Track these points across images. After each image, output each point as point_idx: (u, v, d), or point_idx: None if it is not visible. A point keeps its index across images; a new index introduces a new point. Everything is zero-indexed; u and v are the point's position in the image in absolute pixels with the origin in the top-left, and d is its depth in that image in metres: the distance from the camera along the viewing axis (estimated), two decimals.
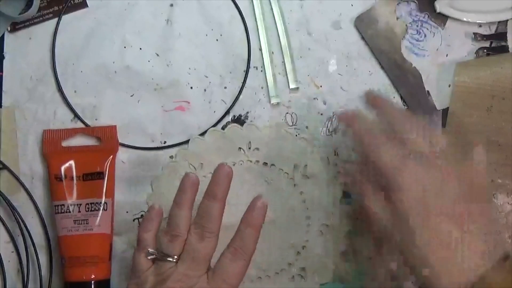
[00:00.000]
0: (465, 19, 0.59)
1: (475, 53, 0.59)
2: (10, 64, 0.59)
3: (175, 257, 0.46)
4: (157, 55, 0.60)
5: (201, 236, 0.46)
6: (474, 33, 0.59)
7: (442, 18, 0.60)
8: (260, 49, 0.60)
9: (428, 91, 0.59)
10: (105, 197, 0.56)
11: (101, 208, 0.56)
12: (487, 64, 0.58)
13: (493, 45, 0.59)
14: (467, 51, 0.60)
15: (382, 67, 0.60)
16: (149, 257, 0.47)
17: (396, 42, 0.60)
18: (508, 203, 0.56)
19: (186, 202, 0.47)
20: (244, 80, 0.59)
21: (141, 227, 0.48)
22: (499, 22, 0.59)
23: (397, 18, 0.60)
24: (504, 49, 0.59)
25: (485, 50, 0.59)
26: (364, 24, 0.60)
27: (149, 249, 0.47)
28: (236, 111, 0.59)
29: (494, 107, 0.57)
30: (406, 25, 0.60)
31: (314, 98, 0.59)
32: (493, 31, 0.60)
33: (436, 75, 0.59)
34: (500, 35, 0.59)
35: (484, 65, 0.58)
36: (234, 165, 0.58)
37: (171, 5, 0.60)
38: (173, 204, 0.48)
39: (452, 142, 0.45)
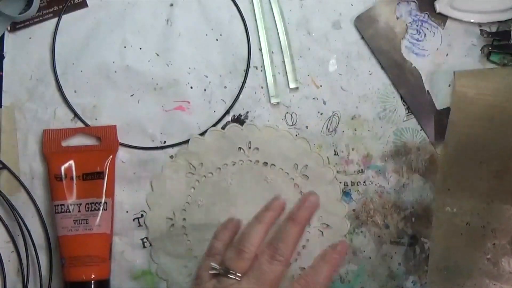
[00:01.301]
0: (465, 19, 0.59)
1: (481, 50, 0.59)
2: (10, 64, 0.59)
3: (239, 274, 0.43)
4: (157, 55, 0.60)
5: (272, 257, 0.43)
6: (480, 30, 0.59)
7: (442, 18, 0.60)
8: (260, 49, 0.60)
9: (428, 91, 0.59)
10: (105, 197, 0.56)
11: (101, 208, 0.56)
12: (487, 74, 0.58)
13: (495, 43, 0.59)
14: (467, 50, 0.60)
15: (382, 67, 0.60)
16: (211, 272, 0.44)
17: (396, 42, 0.60)
18: (507, 209, 0.56)
19: (267, 220, 0.45)
20: (244, 80, 0.59)
21: (214, 235, 0.47)
22: (499, 22, 0.59)
23: (397, 18, 0.60)
24: (509, 47, 0.58)
25: (490, 48, 0.59)
26: (364, 24, 0.60)
27: (212, 263, 0.45)
28: (236, 111, 0.59)
29: (495, 117, 0.57)
30: (406, 24, 0.60)
31: (314, 98, 0.59)
32: (493, 31, 0.60)
33: (436, 75, 0.59)
34: (506, 33, 0.59)
35: (484, 75, 0.58)
36: (234, 164, 0.58)
37: (171, 5, 0.60)
38: (253, 219, 0.46)
39: None
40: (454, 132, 0.58)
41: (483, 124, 0.57)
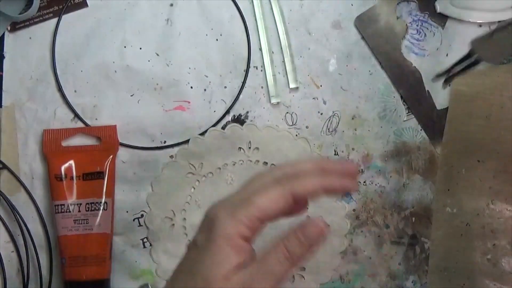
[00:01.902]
0: (465, 19, 0.59)
1: (444, 83, 0.56)
2: (10, 64, 0.59)
3: None
4: (157, 55, 0.59)
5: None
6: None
7: (442, 18, 0.60)
8: (260, 49, 0.60)
9: (428, 91, 0.59)
10: (105, 197, 0.56)
11: (101, 208, 0.56)
12: (483, 73, 0.58)
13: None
14: (467, 50, 0.60)
15: (382, 67, 0.60)
16: None
17: (396, 42, 0.60)
18: (507, 209, 0.56)
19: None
20: (244, 80, 0.59)
21: None
22: (499, 21, 0.59)
23: (397, 18, 0.60)
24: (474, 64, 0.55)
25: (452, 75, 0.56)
26: (364, 24, 0.60)
27: None
28: (236, 111, 0.59)
29: (492, 115, 0.57)
30: (406, 24, 0.60)
31: (314, 98, 0.59)
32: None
33: (436, 75, 0.59)
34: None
35: (481, 74, 0.58)
36: (234, 165, 0.58)
37: (171, 5, 0.60)
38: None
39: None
40: (451, 132, 0.58)
41: (480, 123, 0.57)
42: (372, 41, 0.60)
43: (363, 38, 0.60)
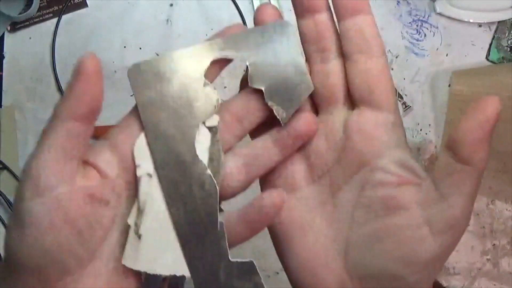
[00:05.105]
0: (465, 19, 0.59)
1: None
2: (10, 64, 0.59)
3: None
4: (157, 55, 0.59)
5: None
6: None
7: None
8: None
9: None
10: None
11: None
12: (483, 73, 0.58)
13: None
14: (466, 50, 0.60)
15: None
16: None
17: None
18: (507, 209, 0.56)
19: None
20: None
21: None
22: (498, 22, 0.60)
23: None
24: None
25: None
26: None
27: None
28: None
29: None
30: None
31: None
32: (493, 31, 0.60)
33: (436, 75, 0.59)
34: None
35: (480, 74, 0.58)
36: None
37: (171, 5, 0.60)
38: None
39: None
40: (451, 131, 0.58)
41: None
42: None
43: None
